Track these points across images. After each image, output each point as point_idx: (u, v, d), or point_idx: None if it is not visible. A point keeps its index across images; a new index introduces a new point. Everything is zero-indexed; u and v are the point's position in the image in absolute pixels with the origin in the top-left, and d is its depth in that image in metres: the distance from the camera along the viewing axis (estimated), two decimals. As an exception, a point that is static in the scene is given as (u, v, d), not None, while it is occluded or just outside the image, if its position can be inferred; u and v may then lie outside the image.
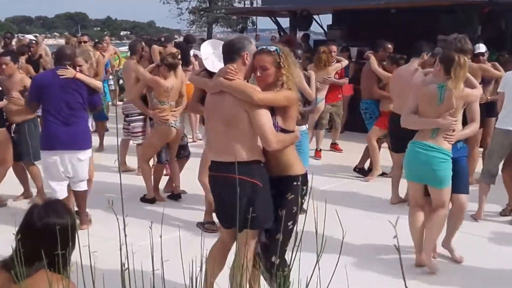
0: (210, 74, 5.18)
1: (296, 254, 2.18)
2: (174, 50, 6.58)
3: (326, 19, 14.55)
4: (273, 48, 3.47)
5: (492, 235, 5.34)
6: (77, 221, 4.92)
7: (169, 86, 6.19)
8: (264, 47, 3.55)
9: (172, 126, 6.24)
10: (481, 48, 7.24)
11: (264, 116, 3.34)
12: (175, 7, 27.23)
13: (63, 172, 5.32)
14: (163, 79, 6.18)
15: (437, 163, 4.28)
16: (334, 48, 8.60)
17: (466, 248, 4.86)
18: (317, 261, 2.00)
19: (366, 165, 7.71)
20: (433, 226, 4.43)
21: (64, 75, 5.19)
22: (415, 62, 6.07)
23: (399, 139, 5.87)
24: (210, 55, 5.19)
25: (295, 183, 3.45)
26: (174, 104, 6.33)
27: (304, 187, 3.48)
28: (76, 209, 5.25)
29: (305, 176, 3.53)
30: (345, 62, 8.77)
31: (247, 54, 3.48)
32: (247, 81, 3.55)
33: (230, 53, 3.52)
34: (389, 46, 7.72)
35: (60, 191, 5.37)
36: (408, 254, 4.59)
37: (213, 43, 5.41)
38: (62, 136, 5.21)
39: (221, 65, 5.18)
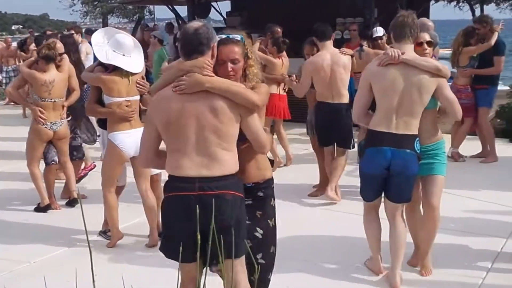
0: (107, 68, 4.66)
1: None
2: (51, 40, 6.01)
3: (225, 6, 14.31)
4: (238, 37, 2.94)
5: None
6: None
7: (47, 80, 5.65)
8: (223, 36, 2.94)
9: (46, 127, 5.70)
10: (379, 31, 7.12)
11: (257, 119, 2.89)
12: (66, -3, 25.82)
13: None
14: (41, 73, 5.66)
15: None
16: None
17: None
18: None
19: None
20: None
21: None
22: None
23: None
24: (104, 45, 4.66)
25: (273, 185, 3.17)
26: (60, 100, 5.77)
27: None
28: None
29: None
30: None
31: (215, 45, 2.87)
32: None
33: (197, 44, 2.82)
34: (278, 29, 7.41)
35: None
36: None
37: (106, 31, 4.89)
38: None
39: (117, 56, 4.67)
